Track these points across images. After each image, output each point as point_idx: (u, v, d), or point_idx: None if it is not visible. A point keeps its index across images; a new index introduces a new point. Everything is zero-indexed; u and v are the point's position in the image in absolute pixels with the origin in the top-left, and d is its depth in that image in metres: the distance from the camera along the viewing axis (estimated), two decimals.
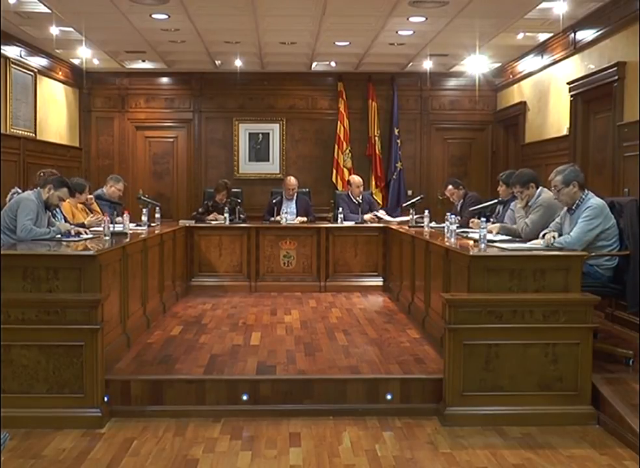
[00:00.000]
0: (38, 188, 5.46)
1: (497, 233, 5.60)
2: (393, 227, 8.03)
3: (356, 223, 8.42)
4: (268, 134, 10.92)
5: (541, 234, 4.98)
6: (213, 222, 8.46)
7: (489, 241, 5.02)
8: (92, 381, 4.21)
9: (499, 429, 4.13)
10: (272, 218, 8.58)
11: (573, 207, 4.93)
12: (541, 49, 8.69)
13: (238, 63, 9.89)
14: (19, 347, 4.19)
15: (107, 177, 8.02)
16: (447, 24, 7.73)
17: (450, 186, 7.79)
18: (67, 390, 4.22)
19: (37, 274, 4.34)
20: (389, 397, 4.43)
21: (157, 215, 7.65)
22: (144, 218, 7.16)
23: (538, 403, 4.25)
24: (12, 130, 8.34)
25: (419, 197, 8.36)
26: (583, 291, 4.40)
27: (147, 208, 7.31)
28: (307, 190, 9.43)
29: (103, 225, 5.61)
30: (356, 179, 9.03)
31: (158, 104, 10.91)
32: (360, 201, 8.73)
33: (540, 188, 5.55)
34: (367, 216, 8.57)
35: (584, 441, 3.99)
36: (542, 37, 8.45)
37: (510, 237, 5.56)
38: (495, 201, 6.53)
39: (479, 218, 5.75)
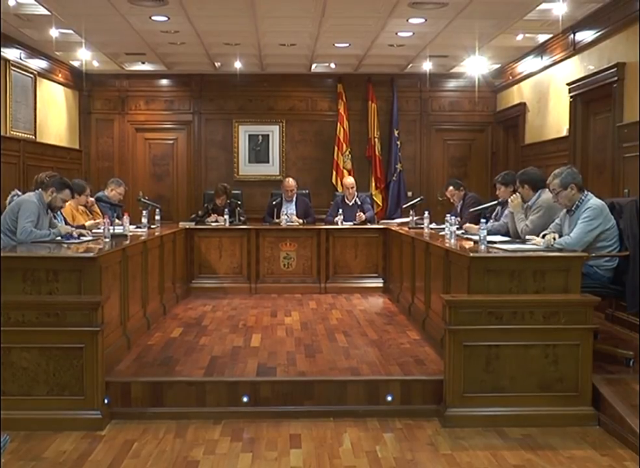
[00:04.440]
0: (39, 190, 5.45)
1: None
2: (393, 228, 8.03)
3: (354, 224, 8.44)
4: (268, 135, 10.92)
5: (541, 235, 4.97)
6: (213, 224, 8.46)
7: (489, 242, 5.02)
8: (92, 383, 4.21)
9: (500, 431, 4.13)
10: (273, 220, 8.59)
11: (573, 208, 4.94)
12: (541, 50, 8.69)
13: (238, 65, 9.89)
14: (19, 349, 4.19)
15: (107, 179, 8.04)
16: (447, 25, 7.73)
17: (451, 187, 7.79)
18: (67, 392, 4.21)
19: (37, 276, 4.35)
20: (389, 398, 4.43)
21: (157, 217, 7.65)
22: (144, 220, 7.17)
23: (539, 404, 4.25)
24: (12, 132, 8.34)
25: (419, 199, 8.36)
26: (582, 292, 4.40)
27: (147, 210, 7.32)
28: (306, 191, 9.44)
29: (103, 227, 5.62)
30: (346, 181, 9.05)
31: (158, 106, 10.91)
32: (359, 203, 8.72)
33: (540, 189, 5.55)
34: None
35: (584, 441, 3.99)
36: (542, 38, 8.45)
37: (509, 238, 5.56)
38: (495, 202, 6.52)
39: (478, 219, 5.75)
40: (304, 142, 10.95)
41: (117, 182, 7.77)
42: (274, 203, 8.74)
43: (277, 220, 8.49)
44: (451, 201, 7.86)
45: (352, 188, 8.82)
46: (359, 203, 8.74)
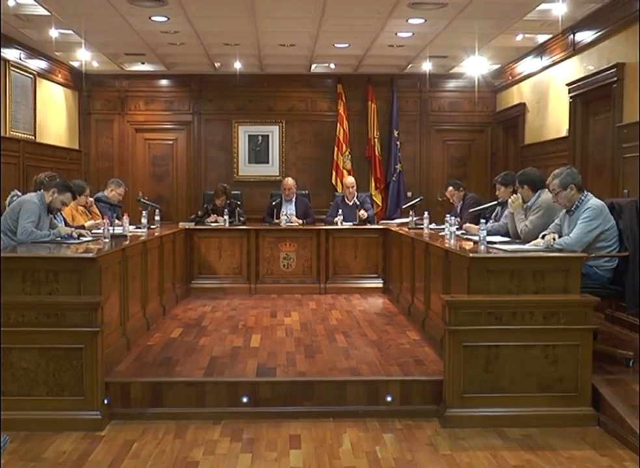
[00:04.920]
0: (41, 190, 5.45)
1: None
2: (393, 228, 8.03)
3: (354, 224, 8.44)
4: (268, 136, 10.92)
5: (540, 236, 4.97)
6: (213, 224, 8.46)
7: (489, 243, 5.02)
8: (92, 384, 4.21)
9: (500, 431, 4.13)
10: (272, 220, 8.59)
11: (573, 209, 4.94)
12: (540, 50, 8.70)
13: (237, 65, 9.89)
14: (19, 350, 4.18)
15: (107, 179, 8.03)
16: (447, 26, 7.73)
17: (450, 188, 7.79)
18: (67, 392, 4.21)
19: (37, 277, 4.35)
20: (389, 399, 4.42)
21: (157, 217, 7.64)
22: (144, 220, 7.17)
23: (539, 405, 4.25)
24: (12, 132, 8.33)
25: (418, 199, 8.37)
26: (582, 292, 4.40)
27: (147, 211, 7.32)
28: (306, 191, 9.44)
29: (102, 228, 5.62)
30: (347, 180, 9.07)
31: (157, 106, 10.91)
32: (359, 203, 8.72)
33: (540, 189, 5.55)
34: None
35: (584, 442, 3.99)
36: (541, 38, 8.45)
37: (509, 238, 5.56)
38: (495, 202, 6.52)
39: (478, 220, 5.75)
40: (303, 142, 10.95)
41: (117, 182, 7.77)
42: (273, 203, 8.75)
43: (277, 221, 8.49)
44: (451, 201, 7.86)
45: (352, 187, 8.83)
46: (359, 203, 8.73)
